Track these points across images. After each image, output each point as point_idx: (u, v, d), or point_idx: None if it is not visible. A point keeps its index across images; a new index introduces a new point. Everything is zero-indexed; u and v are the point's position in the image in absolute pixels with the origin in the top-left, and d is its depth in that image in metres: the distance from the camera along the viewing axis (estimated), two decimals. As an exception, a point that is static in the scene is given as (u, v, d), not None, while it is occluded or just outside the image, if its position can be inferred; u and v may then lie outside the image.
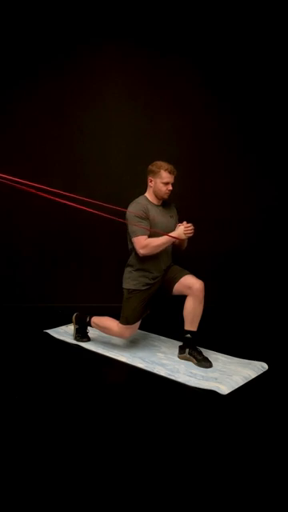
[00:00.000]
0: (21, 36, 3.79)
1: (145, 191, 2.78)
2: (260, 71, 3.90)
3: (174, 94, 3.96)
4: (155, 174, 2.67)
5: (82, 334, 3.07)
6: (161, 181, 2.66)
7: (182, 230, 2.61)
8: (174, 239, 2.64)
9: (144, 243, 2.61)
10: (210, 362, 2.65)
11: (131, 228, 2.64)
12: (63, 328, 3.35)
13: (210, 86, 3.93)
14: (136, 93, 3.95)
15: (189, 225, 2.63)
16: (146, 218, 2.64)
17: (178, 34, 3.85)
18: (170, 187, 2.69)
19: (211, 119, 3.99)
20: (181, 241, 2.70)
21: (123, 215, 2.65)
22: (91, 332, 3.11)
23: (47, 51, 3.82)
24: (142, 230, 2.60)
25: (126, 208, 2.68)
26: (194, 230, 2.64)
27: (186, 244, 2.80)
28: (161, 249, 2.65)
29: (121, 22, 3.82)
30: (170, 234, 2.62)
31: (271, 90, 3.91)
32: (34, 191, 1.74)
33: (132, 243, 2.69)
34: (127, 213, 2.65)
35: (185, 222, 2.65)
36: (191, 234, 2.64)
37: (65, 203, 1.92)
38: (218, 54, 3.88)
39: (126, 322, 2.77)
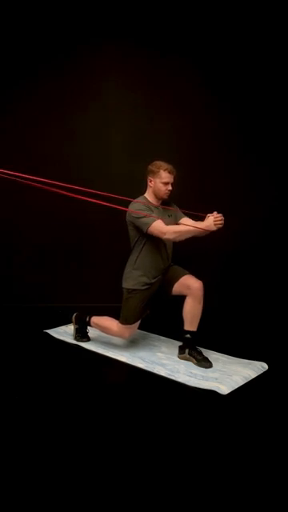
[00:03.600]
0: (21, 36, 3.79)
1: (145, 191, 2.78)
2: (260, 71, 3.90)
3: (174, 93, 3.96)
4: (155, 173, 2.67)
5: (81, 334, 3.07)
6: (160, 181, 2.66)
7: (212, 221, 2.41)
8: (201, 230, 2.47)
9: (164, 228, 2.50)
10: (209, 362, 2.65)
11: (141, 221, 2.55)
12: (63, 328, 3.35)
13: (210, 85, 3.93)
14: (136, 93, 3.95)
15: (219, 215, 2.43)
16: (149, 209, 2.61)
17: (178, 34, 3.85)
18: (170, 187, 2.69)
19: (211, 119, 3.99)
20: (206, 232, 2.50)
21: (126, 204, 2.59)
22: (91, 332, 3.11)
23: (47, 51, 3.82)
24: (152, 218, 2.54)
25: (127, 204, 2.63)
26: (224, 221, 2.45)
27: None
28: (185, 237, 2.52)
29: (121, 22, 3.82)
30: (198, 226, 2.47)
31: (271, 90, 3.91)
32: (40, 186, 1.74)
33: (135, 243, 2.70)
34: (130, 211, 2.61)
35: (215, 213, 2.45)
36: (221, 225, 2.44)
37: (68, 195, 1.90)
38: (218, 54, 3.88)
39: (125, 321, 2.77)
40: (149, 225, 2.54)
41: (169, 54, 3.88)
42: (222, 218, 2.44)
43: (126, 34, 3.85)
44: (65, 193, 1.88)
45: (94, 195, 2.04)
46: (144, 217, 2.55)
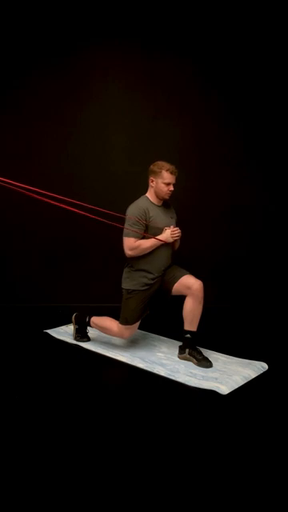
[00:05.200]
0: (21, 36, 3.78)
1: (145, 192, 2.78)
2: (261, 71, 3.90)
3: (174, 94, 3.95)
4: (156, 174, 2.67)
5: (81, 334, 3.07)
6: (162, 181, 2.66)
7: (169, 234, 2.66)
8: (161, 242, 2.66)
9: (133, 245, 2.64)
10: (210, 361, 2.65)
11: (125, 230, 2.66)
12: (63, 328, 3.35)
13: (210, 86, 3.93)
14: (136, 93, 3.95)
15: (175, 228, 2.69)
16: (141, 222, 2.65)
17: (178, 34, 3.85)
18: (172, 187, 2.69)
19: (211, 119, 3.99)
20: (171, 243, 2.74)
21: (123, 220, 2.67)
22: (91, 332, 3.11)
23: (47, 51, 3.81)
24: (131, 232, 2.62)
25: (126, 211, 2.70)
26: (181, 233, 2.70)
27: (177, 245, 2.84)
28: (148, 251, 2.67)
29: (121, 21, 3.81)
30: (157, 238, 2.64)
31: (272, 90, 3.91)
32: (34, 195, 1.74)
33: None
34: (126, 213, 2.67)
35: (172, 226, 2.70)
36: (178, 238, 2.70)
37: (64, 208, 1.91)
38: (218, 54, 3.88)
39: (125, 322, 2.77)
40: (126, 235, 2.66)
41: (169, 53, 3.88)
42: (179, 231, 2.69)
43: (126, 33, 3.84)
44: (61, 205, 1.89)
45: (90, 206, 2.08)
46: (131, 225, 2.63)
